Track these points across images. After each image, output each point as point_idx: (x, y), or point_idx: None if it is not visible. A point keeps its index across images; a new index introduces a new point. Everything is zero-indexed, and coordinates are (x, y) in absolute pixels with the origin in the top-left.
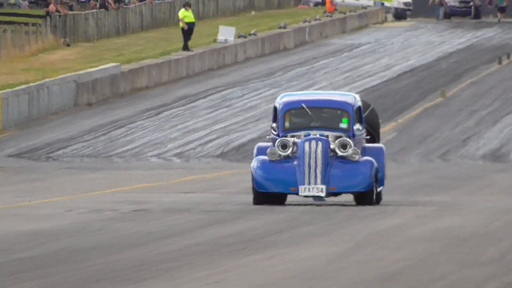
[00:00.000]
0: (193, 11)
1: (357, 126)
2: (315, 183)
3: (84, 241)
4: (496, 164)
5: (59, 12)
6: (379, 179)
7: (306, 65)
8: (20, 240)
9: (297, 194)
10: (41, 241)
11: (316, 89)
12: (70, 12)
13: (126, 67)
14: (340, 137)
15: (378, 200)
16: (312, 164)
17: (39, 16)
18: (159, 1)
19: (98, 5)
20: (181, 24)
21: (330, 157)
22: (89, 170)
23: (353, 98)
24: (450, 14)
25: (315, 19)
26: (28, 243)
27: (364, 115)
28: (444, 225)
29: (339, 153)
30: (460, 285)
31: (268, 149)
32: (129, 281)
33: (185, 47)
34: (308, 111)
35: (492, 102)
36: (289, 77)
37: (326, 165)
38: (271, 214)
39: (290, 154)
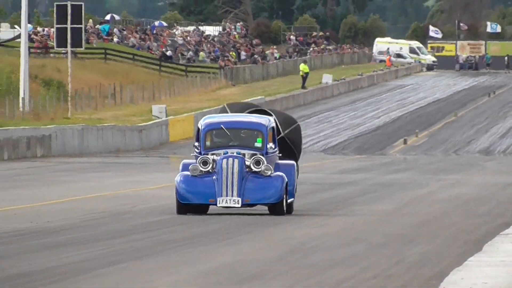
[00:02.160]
0: (308, 65)
1: (270, 145)
2: (232, 195)
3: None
4: (487, 156)
5: (228, 65)
6: (289, 192)
7: (374, 97)
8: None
9: (215, 205)
10: None
11: (374, 111)
12: (234, 66)
13: (267, 99)
14: (255, 154)
15: (289, 210)
16: (229, 179)
17: (216, 68)
18: (287, 60)
19: (251, 61)
20: (301, 72)
21: (245, 173)
22: None
23: (267, 120)
24: (461, 67)
25: (380, 70)
26: None
27: (288, 130)
28: (456, 193)
29: (254, 169)
30: (466, 228)
31: (190, 165)
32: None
33: (303, 86)
34: (227, 132)
35: (485, 119)
36: (364, 104)
37: (241, 180)
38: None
39: (210, 170)
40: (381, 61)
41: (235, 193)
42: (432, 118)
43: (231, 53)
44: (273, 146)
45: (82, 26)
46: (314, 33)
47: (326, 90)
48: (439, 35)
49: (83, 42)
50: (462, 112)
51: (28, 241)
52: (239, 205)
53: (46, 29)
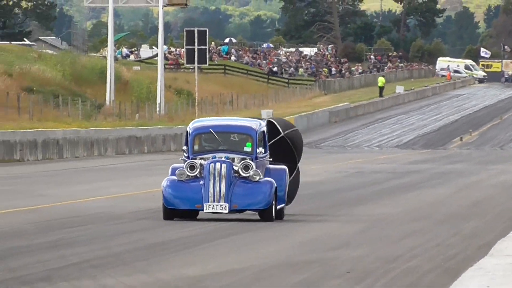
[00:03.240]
0: (384, 79)
1: (260, 149)
2: (219, 201)
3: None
4: None
5: (321, 79)
6: (280, 198)
7: (437, 104)
8: None
9: (202, 210)
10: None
11: (437, 114)
12: (326, 79)
13: (352, 105)
14: (245, 159)
15: (280, 215)
16: (217, 184)
17: (312, 80)
18: (368, 74)
19: (339, 76)
20: (379, 83)
21: (233, 178)
22: (332, 153)
23: (257, 124)
24: (505, 80)
25: (442, 83)
26: None
27: (288, 131)
28: (501, 179)
29: (242, 174)
30: (509, 207)
31: (177, 170)
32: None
33: (380, 95)
34: (216, 136)
35: None
36: (429, 109)
37: (229, 185)
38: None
39: (198, 175)
40: (442, 75)
41: (222, 198)
42: (482, 120)
43: (324, 69)
44: (263, 151)
45: (206, 47)
46: (390, 54)
47: (399, 98)
48: (488, 55)
49: (207, 59)
50: (506, 116)
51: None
52: (227, 211)
53: (177, 49)
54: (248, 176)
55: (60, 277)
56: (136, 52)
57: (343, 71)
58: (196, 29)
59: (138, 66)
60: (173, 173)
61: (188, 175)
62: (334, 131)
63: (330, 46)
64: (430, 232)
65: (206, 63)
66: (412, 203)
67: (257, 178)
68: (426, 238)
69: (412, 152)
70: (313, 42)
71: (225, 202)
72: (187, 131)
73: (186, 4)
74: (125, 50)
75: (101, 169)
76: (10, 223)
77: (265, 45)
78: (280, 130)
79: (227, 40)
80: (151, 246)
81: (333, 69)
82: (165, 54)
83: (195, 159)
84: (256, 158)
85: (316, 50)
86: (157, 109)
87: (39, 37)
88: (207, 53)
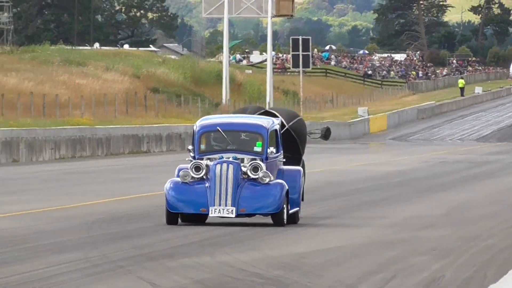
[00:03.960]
0: (464, 81)
1: (271, 149)
2: (225, 205)
3: None
4: None
5: (410, 81)
6: (293, 201)
7: (511, 102)
8: None
9: (207, 215)
10: None
11: (511, 112)
12: (414, 81)
13: (437, 103)
14: (255, 159)
15: (294, 220)
16: (223, 186)
17: (402, 82)
18: (450, 77)
19: (425, 78)
20: (460, 85)
21: (241, 180)
22: (419, 145)
23: (269, 122)
24: None
25: None
26: None
27: (292, 122)
28: None
29: (251, 176)
30: None
31: (181, 171)
32: None
33: (462, 95)
34: (224, 134)
35: None
36: (504, 107)
37: (236, 187)
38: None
39: (204, 176)
40: None
41: (229, 202)
42: None
43: (412, 72)
44: (275, 151)
45: (310, 53)
46: (469, 59)
47: (478, 98)
48: None
49: (310, 64)
50: None
51: None
52: (234, 215)
53: (284, 55)
54: (257, 178)
55: (182, 253)
56: (248, 57)
57: (429, 74)
58: (300, 38)
59: (250, 69)
60: (178, 174)
61: (193, 177)
62: (421, 126)
63: (417, 52)
64: (505, 215)
65: (309, 67)
66: (489, 189)
67: (267, 180)
68: (502, 220)
69: (489, 145)
70: (402, 49)
71: (232, 206)
72: (193, 130)
73: (291, 15)
74: (238, 56)
75: None
76: (140, 206)
77: (361, 52)
78: (285, 123)
79: (327, 47)
80: (262, 226)
81: (420, 72)
82: (273, 59)
83: (202, 159)
84: (267, 158)
85: (405, 56)
86: (267, 107)
87: (163, 44)
88: (310, 59)
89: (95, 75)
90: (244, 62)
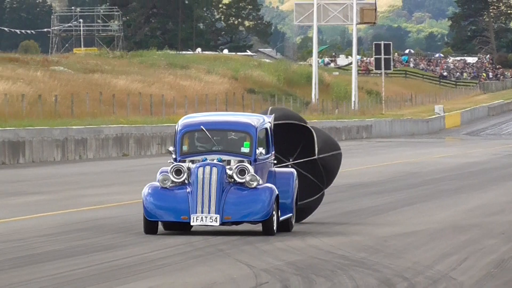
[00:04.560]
0: None
1: (260, 150)
2: (209, 212)
3: None
4: None
5: (481, 81)
6: (286, 206)
7: None
8: None
9: (188, 222)
10: None
11: None
12: (485, 81)
13: (506, 101)
14: (242, 161)
15: (287, 227)
16: (206, 191)
17: (475, 83)
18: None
19: (495, 79)
20: None
21: (226, 184)
22: (490, 140)
23: (259, 119)
24: None
25: None
26: None
27: (325, 155)
28: None
29: (237, 180)
30: None
31: (160, 175)
32: None
33: None
34: (208, 134)
35: None
36: None
37: (221, 193)
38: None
39: (185, 181)
40: None
41: (212, 208)
42: None
43: (483, 74)
44: (264, 152)
45: (391, 56)
46: None
47: None
48: None
49: (391, 66)
50: None
51: (358, 190)
52: (217, 224)
53: (368, 58)
54: (244, 182)
55: (276, 238)
56: (335, 60)
57: (498, 75)
58: (382, 43)
59: (337, 71)
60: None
61: (173, 181)
62: (491, 122)
63: (487, 55)
64: None
65: (390, 69)
66: None
67: (255, 184)
68: None
69: None
70: (474, 53)
71: (216, 213)
72: (175, 129)
73: (374, 23)
74: (326, 59)
75: None
76: None
77: (437, 55)
78: (315, 151)
79: (406, 51)
80: (348, 213)
81: (490, 74)
82: (358, 62)
83: (184, 161)
84: (256, 160)
85: (477, 59)
86: (352, 105)
87: (259, 49)
88: (391, 61)
89: (197, 77)
90: (332, 65)
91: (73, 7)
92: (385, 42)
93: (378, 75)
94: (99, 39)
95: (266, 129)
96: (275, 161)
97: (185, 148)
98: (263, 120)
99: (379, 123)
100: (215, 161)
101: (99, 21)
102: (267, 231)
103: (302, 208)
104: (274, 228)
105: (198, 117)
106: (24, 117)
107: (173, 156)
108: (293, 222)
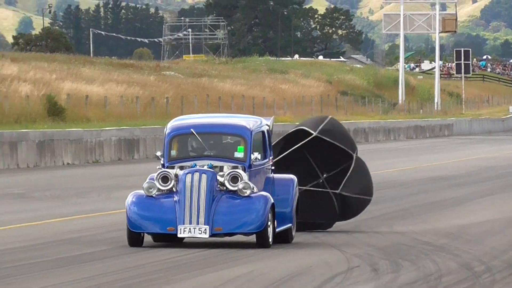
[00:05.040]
0: None
1: (255, 155)
2: (197, 223)
3: None
4: None
5: None
6: (285, 216)
7: None
8: None
9: (175, 234)
10: None
11: None
12: None
13: None
14: (237, 167)
15: (286, 238)
16: (194, 200)
17: None
18: None
19: None
20: None
21: (217, 192)
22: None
23: (255, 122)
24: None
25: None
26: None
27: (319, 129)
28: None
29: (229, 187)
30: None
31: (145, 183)
32: None
33: None
34: (198, 138)
35: None
36: None
37: (211, 202)
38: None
39: (174, 189)
40: None
41: (201, 219)
42: None
43: None
44: (259, 157)
45: (470, 62)
46: None
47: None
48: None
49: (470, 71)
50: None
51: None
52: (207, 236)
53: (449, 64)
54: (237, 190)
55: (366, 226)
56: (419, 65)
57: None
58: (462, 49)
59: (421, 76)
60: None
61: (159, 189)
62: None
63: None
64: None
65: (469, 73)
66: None
67: (248, 192)
68: None
69: None
70: None
71: (205, 224)
72: (164, 132)
73: (455, 31)
74: (412, 64)
75: (396, 149)
76: None
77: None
78: (311, 131)
79: (484, 57)
80: (431, 204)
81: None
82: (440, 67)
83: (173, 167)
84: (250, 166)
85: None
86: (435, 106)
87: (351, 56)
88: (470, 66)
89: (295, 81)
90: (417, 69)
91: (182, 18)
92: (465, 49)
93: (459, 79)
94: (206, 46)
95: (263, 132)
96: (273, 167)
97: (173, 153)
98: (260, 123)
99: (459, 122)
100: (205, 167)
101: (206, 30)
102: (261, 243)
103: (360, 186)
104: (270, 240)
105: (189, 119)
106: (138, 118)
107: (161, 162)
108: (293, 233)
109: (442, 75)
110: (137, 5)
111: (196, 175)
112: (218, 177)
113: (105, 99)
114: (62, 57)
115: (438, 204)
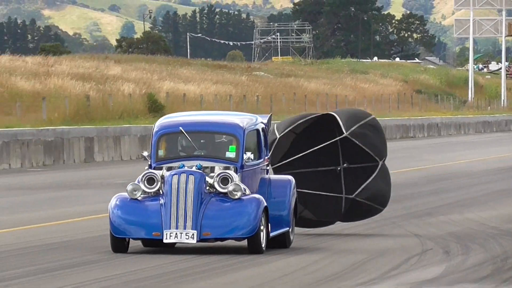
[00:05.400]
0: None
1: (248, 154)
2: (184, 227)
3: None
4: None
5: None
6: (281, 219)
7: None
8: None
9: (161, 240)
10: None
11: None
12: None
13: None
14: (228, 168)
15: (283, 243)
16: (181, 204)
17: None
18: None
19: None
20: None
21: (206, 194)
22: None
23: (250, 119)
24: None
25: None
26: None
27: (355, 127)
28: None
29: (219, 189)
30: None
31: (129, 185)
32: None
33: None
34: (187, 136)
35: None
36: None
37: (199, 205)
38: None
39: (160, 191)
40: None
41: (188, 223)
42: None
43: None
44: (252, 157)
45: None
46: None
47: None
48: None
49: None
50: None
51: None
52: (195, 241)
53: None
54: (227, 192)
55: (438, 212)
56: (487, 66)
57: None
58: None
59: (489, 75)
60: None
61: (144, 191)
62: None
63: None
64: None
65: None
66: None
67: (238, 194)
68: None
69: None
70: None
71: (192, 228)
72: (151, 131)
73: None
74: (480, 65)
75: (465, 142)
76: (407, 178)
77: None
78: (343, 130)
79: None
80: (499, 192)
81: None
82: (506, 67)
83: (160, 168)
84: (242, 166)
85: None
86: (502, 103)
87: (425, 57)
88: None
89: (374, 81)
90: (485, 70)
91: (271, 23)
92: None
93: None
94: (293, 49)
95: (258, 130)
96: (268, 168)
97: (161, 153)
98: (255, 120)
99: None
100: (193, 168)
101: (293, 34)
102: (253, 248)
103: (373, 192)
104: (262, 245)
105: (178, 117)
106: None
107: (149, 162)
108: (291, 237)
109: (508, 75)
110: (230, 11)
111: (183, 176)
112: (208, 179)
113: (201, 97)
114: (162, 59)
115: (505, 192)
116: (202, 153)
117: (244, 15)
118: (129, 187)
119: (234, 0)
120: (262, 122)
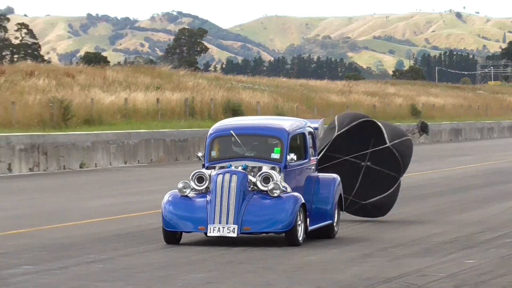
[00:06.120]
0: None
1: (291, 156)
2: (227, 222)
3: None
4: None
5: None
6: (325, 213)
7: None
8: None
9: (205, 234)
10: None
11: None
12: None
13: None
14: (274, 168)
15: (328, 235)
16: (225, 200)
17: None
18: None
19: None
20: None
21: (249, 192)
22: None
23: (298, 124)
24: None
25: None
26: None
27: (397, 141)
28: None
29: (261, 187)
30: None
31: (180, 182)
32: None
33: None
34: (237, 139)
35: None
36: None
37: (241, 202)
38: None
39: (210, 189)
40: None
41: (231, 219)
42: None
43: None
44: (295, 158)
45: None
46: None
47: None
48: None
49: None
50: None
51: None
52: (235, 235)
53: None
54: (267, 190)
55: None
56: None
57: None
58: None
59: None
60: None
61: (194, 189)
62: None
63: None
64: None
65: None
66: None
67: (278, 192)
68: None
69: None
70: None
71: (234, 223)
72: (207, 134)
73: None
74: None
75: None
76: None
77: None
78: (386, 140)
79: None
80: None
81: None
82: None
83: (214, 168)
84: (286, 167)
85: None
86: None
87: None
88: None
89: None
90: None
91: (488, 60)
92: None
93: None
94: (501, 76)
95: (304, 133)
96: (313, 167)
97: (214, 153)
98: (303, 124)
99: None
100: (239, 168)
101: (501, 67)
102: (290, 241)
103: (381, 204)
104: (300, 238)
105: (231, 122)
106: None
107: (202, 162)
108: (336, 229)
109: None
110: (462, 53)
111: (227, 175)
112: (251, 178)
113: (442, 106)
114: (420, 83)
115: None
116: (252, 154)
117: (471, 56)
118: (180, 185)
119: (466, 47)
120: (309, 126)
